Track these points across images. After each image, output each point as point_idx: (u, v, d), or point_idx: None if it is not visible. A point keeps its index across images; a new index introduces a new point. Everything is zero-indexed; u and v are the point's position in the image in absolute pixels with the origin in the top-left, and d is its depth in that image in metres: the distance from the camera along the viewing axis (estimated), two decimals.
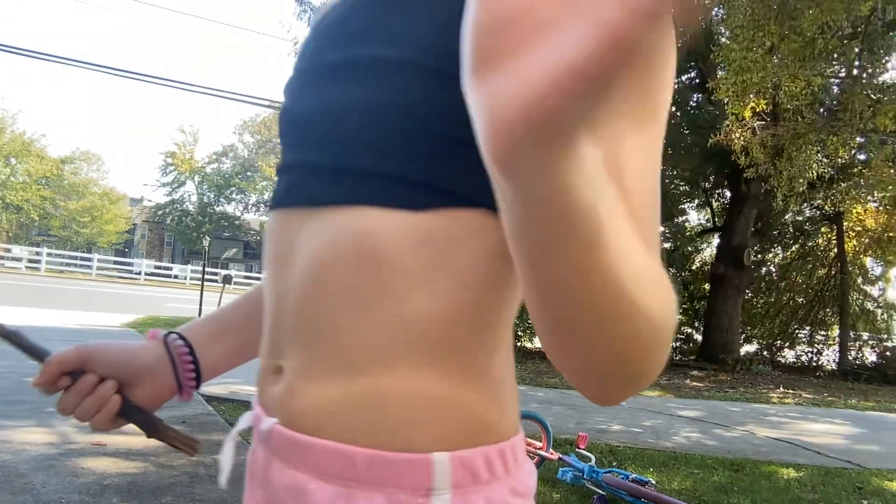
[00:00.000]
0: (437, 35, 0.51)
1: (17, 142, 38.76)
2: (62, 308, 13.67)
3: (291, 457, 0.55)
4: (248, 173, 47.21)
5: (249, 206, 48.87)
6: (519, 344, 13.17)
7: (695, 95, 14.44)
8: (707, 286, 15.61)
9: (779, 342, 16.49)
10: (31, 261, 33.71)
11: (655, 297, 0.39)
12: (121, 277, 35.23)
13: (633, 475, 3.38)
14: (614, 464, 4.11)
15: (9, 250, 34.94)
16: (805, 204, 14.43)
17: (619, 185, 0.39)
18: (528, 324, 13.04)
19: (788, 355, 16.41)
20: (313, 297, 0.53)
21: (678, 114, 14.08)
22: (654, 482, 3.35)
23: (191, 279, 35.84)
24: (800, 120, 9.91)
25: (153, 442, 2.90)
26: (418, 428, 0.51)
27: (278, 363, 0.58)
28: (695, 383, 10.62)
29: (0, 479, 2.76)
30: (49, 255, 34.28)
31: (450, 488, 0.50)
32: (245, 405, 4.81)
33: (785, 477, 4.39)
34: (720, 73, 12.41)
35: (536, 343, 14.78)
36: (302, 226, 0.55)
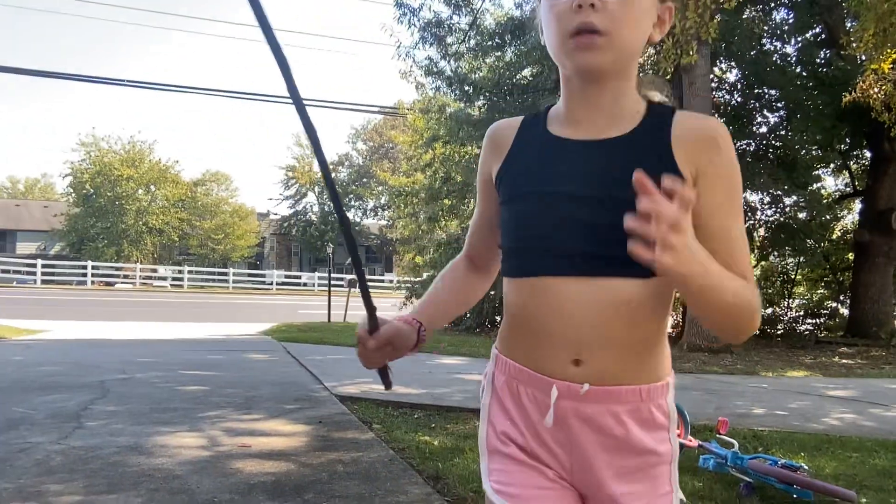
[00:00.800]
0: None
1: (155, 170, 41.94)
2: (207, 321, 14.64)
3: (603, 399, 1.00)
4: (364, 180, 48.64)
5: (367, 212, 50.34)
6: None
7: (822, 52, 13.40)
8: (851, 256, 14.48)
9: None
10: (174, 279, 36.40)
11: (746, 302, 0.91)
12: (255, 289, 37.33)
13: (783, 460, 3.16)
14: (760, 449, 3.87)
15: (155, 270, 37.90)
16: None
17: (729, 251, 0.94)
18: None
19: None
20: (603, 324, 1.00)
21: (804, 74, 13.14)
22: (806, 467, 3.12)
23: (318, 286, 37.40)
24: None
25: (294, 442, 3.12)
26: (658, 372, 1.03)
27: (576, 359, 0.99)
28: (845, 360, 9.88)
29: (159, 481, 2.97)
30: (190, 272, 36.86)
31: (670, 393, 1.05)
32: (376, 403, 4.94)
33: None
34: (849, 25, 11.45)
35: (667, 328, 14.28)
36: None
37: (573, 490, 1.04)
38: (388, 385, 1.23)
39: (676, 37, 9.42)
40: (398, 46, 14.40)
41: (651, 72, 11.38)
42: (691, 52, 9.57)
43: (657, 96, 1.05)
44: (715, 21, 9.15)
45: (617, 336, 0.97)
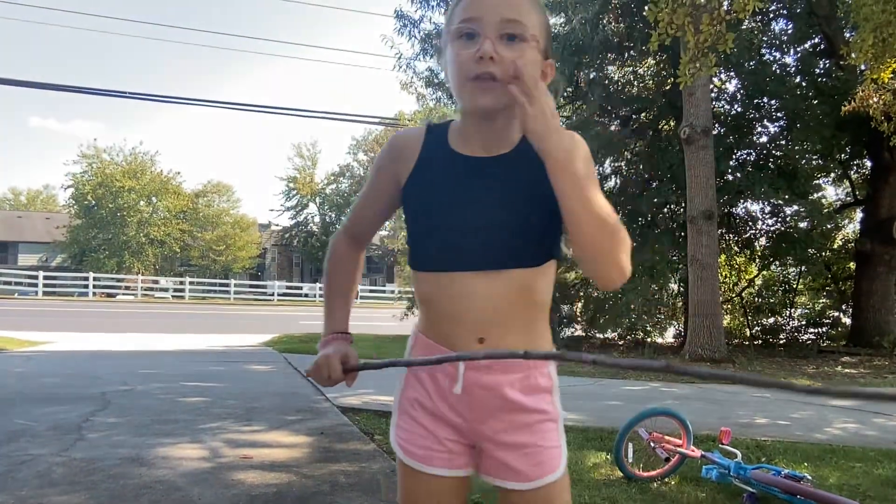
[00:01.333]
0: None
1: (157, 181, 42.02)
2: (209, 332, 14.62)
3: (500, 369, 1.22)
4: None
5: None
6: (649, 339, 12.74)
7: (821, 62, 13.44)
8: (852, 265, 14.46)
9: None
10: (176, 290, 36.38)
11: (614, 218, 1.06)
12: (256, 300, 37.29)
13: (786, 470, 3.15)
14: (763, 459, 3.86)
15: (157, 282, 37.89)
16: None
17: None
18: (658, 318, 12.63)
19: None
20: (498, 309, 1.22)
21: (803, 84, 13.18)
22: (809, 477, 3.11)
23: (319, 296, 37.20)
24: None
25: (295, 454, 3.12)
26: (542, 346, 1.24)
27: (480, 338, 1.21)
28: (847, 370, 9.85)
29: (161, 493, 2.97)
30: (191, 283, 36.85)
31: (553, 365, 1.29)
32: (378, 414, 4.93)
33: None
34: (848, 35, 11.49)
35: (668, 338, 14.26)
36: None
37: (467, 448, 1.30)
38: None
39: (691, 52, 9.42)
40: (399, 58, 14.48)
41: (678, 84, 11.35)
42: (710, 65, 9.52)
43: None
44: (732, 33, 9.14)
45: (514, 317, 1.21)
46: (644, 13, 9.37)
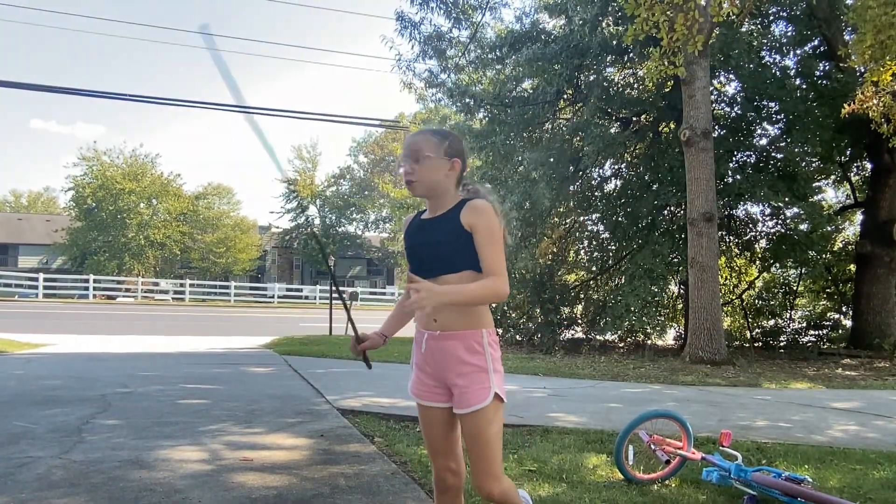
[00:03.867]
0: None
1: (157, 184, 42.03)
2: (209, 334, 14.62)
3: (448, 337, 2.03)
4: (366, 192, 48.67)
5: (369, 225, 50.32)
6: (649, 342, 12.73)
7: (821, 64, 13.44)
8: (853, 267, 14.45)
9: None
10: (176, 292, 36.37)
11: (490, 291, 1.94)
12: (256, 302, 37.27)
13: (786, 473, 3.15)
14: (763, 462, 3.86)
15: (157, 284, 37.89)
16: None
17: (486, 258, 2.00)
18: (658, 321, 12.59)
19: None
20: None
21: (803, 86, 13.18)
22: (810, 480, 3.10)
23: (320, 298, 37.35)
24: None
25: (295, 456, 3.17)
26: (476, 323, 2.04)
27: (434, 318, 2.04)
28: (848, 372, 9.84)
29: (161, 495, 2.96)
30: (192, 285, 36.84)
31: (487, 341, 2.06)
32: (378, 416, 4.93)
33: None
34: (847, 37, 11.49)
35: (669, 340, 14.25)
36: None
37: (445, 388, 2.07)
38: (369, 366, 2.29)
39: (664, 49, 9.44)
40: (399, 59, 14.49)
41: (648, 81, 11.45)
42: (678, 64, 9.59)
43: (473, 194, 2.10)
44: (702, 35, 9.18)
45: (450, 310, 2.00)
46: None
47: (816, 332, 14.68)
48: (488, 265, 1.95)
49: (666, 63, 9.31)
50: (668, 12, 9.12)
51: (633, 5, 9.00)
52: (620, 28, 12.08)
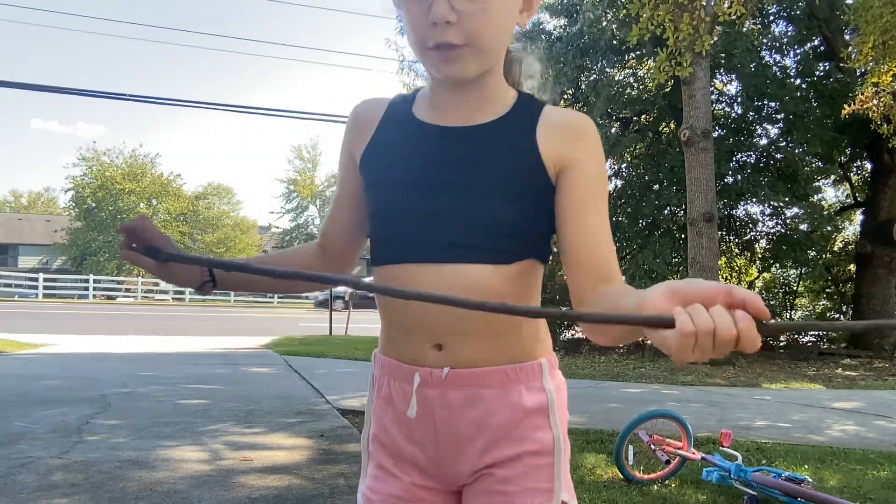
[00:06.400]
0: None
1: (157, 183, 42.04)
2: (209, 334, 14.62)
3: (466, 382, 0.95)
4: None
5: None
6: (649, 342, 12.72)
7: (821, 64, 13.44)
8: (853, 267, 14.46)
9: None
10: (176, 292, 36.36)
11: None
12: (256, 302, 37.28)
13: (786, 473, 3.15)
14: (763, 462, 3.86)
15: (157, 284, 37.84)
16: None
17: (604, 255, 0.92)
18: None
19: None
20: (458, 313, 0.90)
21: (803, 87, 13.18)
22: (810, 480, 3.10)
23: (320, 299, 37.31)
24: None
25: (295, 456, 3.10)
26: (528, 352, 0.99)
27: (437, 343, 0.95)
28: (848, 372, 9.84)
29: (161, 495, 2.97)
30: None
31: (548, 370, 1.01)
32: None
33: None
34: (847, 37, 11.48)
35: None
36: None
37: (439, 491, 1.02)
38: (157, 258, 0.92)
39: (670, 49, 9.44)
40: (402, 60, 14.49)
41: (650, 82, 11.37)
42: (685, 65, 9.59)
43: (529, 83, 1.06)
44: (709, 35, 9.18)
45: (475, 320, 0.92)
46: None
47: (816, 333, 14.69)
48: (603, 255, 0.93)
49: (673, 63, 9.30)
50: (672, 13, 9.12)
51: (638, 5, 8.98)
52: (624, 29, 12.10)
